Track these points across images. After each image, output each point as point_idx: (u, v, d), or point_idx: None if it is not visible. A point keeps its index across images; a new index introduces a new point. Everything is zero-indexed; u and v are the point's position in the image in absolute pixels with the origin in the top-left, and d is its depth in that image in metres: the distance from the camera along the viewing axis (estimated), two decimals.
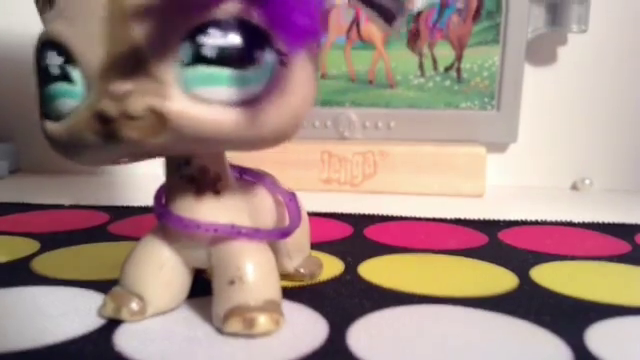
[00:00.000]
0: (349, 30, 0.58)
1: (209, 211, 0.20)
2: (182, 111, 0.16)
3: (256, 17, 0.16)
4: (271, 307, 0.20)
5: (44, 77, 0.18)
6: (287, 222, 0.23)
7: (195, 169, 0.20)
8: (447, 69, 0.58)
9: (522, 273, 0.27)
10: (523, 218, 0.41)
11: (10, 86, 0.68)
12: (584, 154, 0.60)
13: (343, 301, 0.23)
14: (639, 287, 0.26)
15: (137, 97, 0.16)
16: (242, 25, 0.16)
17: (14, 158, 0.67)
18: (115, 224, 0.38)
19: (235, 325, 0.19)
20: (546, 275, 0.27)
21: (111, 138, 0.17)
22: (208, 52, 0.16)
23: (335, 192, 0.54)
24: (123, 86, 0.16)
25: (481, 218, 0.41)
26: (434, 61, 0.58)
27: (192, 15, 0.16)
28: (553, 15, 0.54)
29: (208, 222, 0.20)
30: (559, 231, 0.38)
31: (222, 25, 0.16)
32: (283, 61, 0.17)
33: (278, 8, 0.16)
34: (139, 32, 0.16)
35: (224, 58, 0.16)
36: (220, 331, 0.20)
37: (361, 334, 0.20)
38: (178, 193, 0.20)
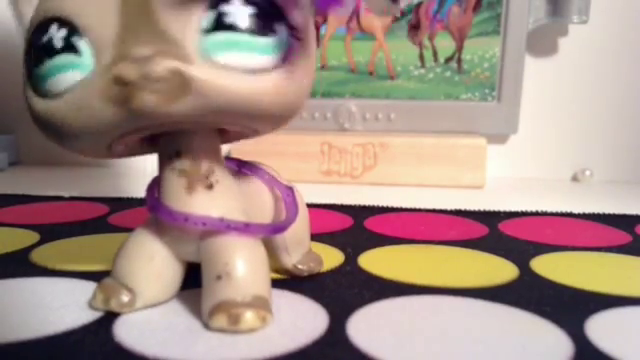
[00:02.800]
0: (349, 21, 0.58)
1: (200, 204, 0.20)
2: (204, 75, 0.16)
3: None
4: (258, 303, 0.19)
5: (42, 54, 0.18)
6: (284, 217, 0.23)
7: (187, 162, 0.20)
8: (447, 60, 0.57)
9: (522, 264, 0.27)
10: (523, 209, 0.41)
11: (10, 79, 0.67)
12: (584, 145, 0.60)
13: (343, 292, 0.23)
14: (639, 278, 0.26)
15: (160, 59, 0.16)
16: None
17: (14, 150, 0.67)
18: (115, 215, 0.38)
19: (220, 320, 0.19)
20: (546, 266, 0.27)
21: (127, 104, 0.16)
22: (229, 20, 0.16)
23: (335, 184, 0.54)
24: (144, 50, 0.16)
25: (481, 209, 0.41)
26: (434, 52, 0.57)
27: None
28: (554, 6, 0.54)
29: (197, 215, 0.19)
30: (559, 222, 0.38)
31: None
32: (296, 35, 0.18)
33: None
34: (157, 2, 0.16)
35: (244, 26, 0.16)
36: (207, 327, 0.19)
37: (361, 325, 0.20)
38: (170, 186, 0.20)
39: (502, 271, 0.26)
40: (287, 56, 0.17)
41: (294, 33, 0.17)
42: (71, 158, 0.68)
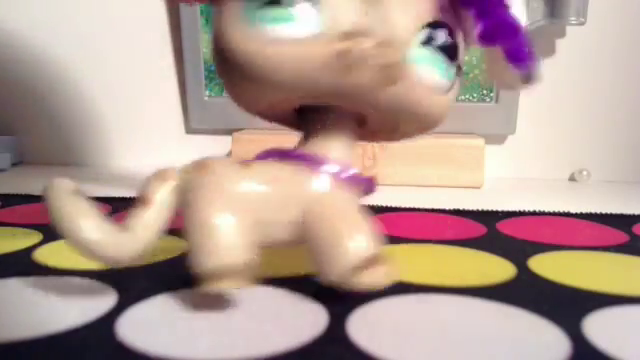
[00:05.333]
0: None
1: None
2: (409, 76, 0.20)
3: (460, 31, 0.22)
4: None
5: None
6: None
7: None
8: None
9: (520, 263, 0.28)
10: (521, 209, 0.41)
11: (12, 80, 0.68)
12: (582, 146, 0.60)
13: (343, 291, 0.23)
14: (636, 277, 0.27)
15: (394, 48, 0.19)
16: (453, 32, 0.21)
17: (17, 150, 0.67)
18: (117, 215, 0.38)
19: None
20: (544, 265, 0.27)
21: (347, 74, 0.19)
22: (437, 42, 0.21)
23: None
24: (379, 35, 0.19)
25: (480, 209, 0.41)
26: None
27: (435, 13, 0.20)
28: (551, 7, 0.54)
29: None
30: (557, 222, 0.38)
31: (447, 27, 0.21)
32: (459, 70, 0.23)
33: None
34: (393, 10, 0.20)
35: (443, 49, 0.21)
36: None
37: (360, 323, 0.20)
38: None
39: (500, 270, 0.27)
40: (453, 82, 0.22)
41: (460, 65, 0.23)
42: (73, 158, 0.68)
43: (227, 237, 0.20)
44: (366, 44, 0.19)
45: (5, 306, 0.22)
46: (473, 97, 0.58)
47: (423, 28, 0.20)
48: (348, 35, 0.19)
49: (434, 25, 0.20)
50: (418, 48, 0.20)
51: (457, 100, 0.58)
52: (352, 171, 0.23)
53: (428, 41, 0.20)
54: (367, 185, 0.24)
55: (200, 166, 0.22)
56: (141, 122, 0.66)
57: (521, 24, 0.20)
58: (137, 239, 0.21)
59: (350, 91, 0.20)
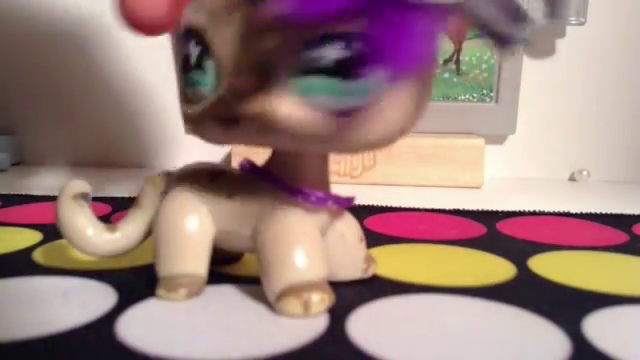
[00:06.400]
0: None
1: None
2: (290, 115, 0.18)
3: (367, 36, 0.16)
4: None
5: (184, 65, 0.20)
6: None
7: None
8: (446, 61, 0.58)
9: (520, 263, 0.28)
10: (521, 209, 0.41)
11: (13, 79, 0.68)
12: (582, 146, 0.60)
13: (342, 291, 0.23)
14: (636, 277, 0.27)
15: (253, 101, 0.18)
16: (353, 41, 0.17)
17: (16, 150, 0.67)
18: (117, 215, 0.38)
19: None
20: (544, 265, 0.27)
21: (229, 130, 0.19)
22: (322, 63, 0.17)
23: (335, 183, 0.54)
24: (242, 89, 0.18)
25: (480, 209, 0.41)
26: None
27: (312, 30, 0.17)
28: (552, 7, 0.54)
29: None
30: (557, 222, 0.38)
31: (336, 40, 0.17)
32: (387, 80, 0.17)
33: (390, 32, 0.16)
34: (264, 40, 0.17)
35: (334, 70, 0.17)
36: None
37: (360, 323, 0.20)
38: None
39: (500, 270, 0.27)
40: (373, 99, 0.18)
41: (386, 77, 0.17)
42: (73, 158, 0.68)
43: (185, 247, 0.22)
44: (223, 108, 0.19)
45: (5, 306, 0.22)
46: (473, 97, 0.58)
47: (301, 51, 0.17)
48: (220, 91, 0.19)
49: (317, 42, 0.17)
50: (299, 78, 0.17)
51: (457, 100, 0.58)
52: (323, 194, 0.22)
53: (312, 65, 0.17)
54: (341, 202, 0.23)
55: (177, 175, 0.24)
56: (141, 122, 0.66)
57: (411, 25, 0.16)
58: (123, 238, 0.24)
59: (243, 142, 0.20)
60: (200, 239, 0.23)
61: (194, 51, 0.19)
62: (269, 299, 0.21)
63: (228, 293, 0.23)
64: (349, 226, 0.24)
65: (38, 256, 0.28)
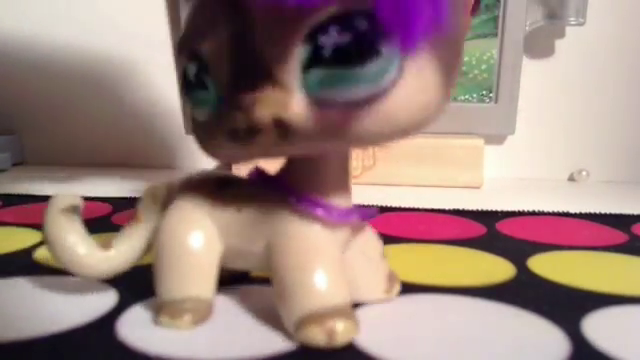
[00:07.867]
0: None
1: None
2: (304, 117, 0.16)
3: (374, 9, 0.14)
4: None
5: (185, 84, 0.19)
6: None
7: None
8: None
9: (519, 263, 0.28)
10: (521, 209, 0.41)
11: (14, 79, 0.68)
12: (581, 146, 0.60)
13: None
14: (635, 277, 0.27)
15: (262, 107, 0.16)
16: (359, 20, 0.14)
17: (18, 150, 0.67)
18: (118, 215, 0.38)
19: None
20: (543, 265, 0.27)
21: (242, 146, 0.17)
22: (327, 53, 0.15)
23: None
24: (248, 97, 0.16)
25: (479, 209, 0.41)
26: None
27: (309, 14, 0.15)
28: (551, 7, 0.54)
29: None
30: (556, 222, 0.38)
31: (339, 23, 0.15)
32: (406, 53, 0.15)
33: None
34: (260, 40, 0.16)
35: (344, 57, 0.15)
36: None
37: (361, 323, 0.20)
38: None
39: (499, 270, 0.27)
40: (396, 78, 0.15)
41: (404, 51, 0.15)
42: (74, 158, 0.68)
43: (190, 268, 0.20)
44: (234, 123, 0.17)
45: (5, 306, 0.22)
46: (473, 97, 0.58)
47: (304, 43, 0.15)
48: (229, 108, 0.17)
49: (318, 30, 0.15)
50: (305, 74, 0.15)
51: (456, 100, 0.58)
52: (345, 208, 0.20)
53: (316, 57, 0.15)
54: (365, 215, 0.20)
55: (179, 186, 0.22)
56: (141, 122, 0.66)
57: None
58: (119, 256, 0.22)
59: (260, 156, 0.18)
60: (206, 259, 0.20)
61: (191, 70, 0.18)
62: (287, 326, 0.19)
63: (228, 293, 0.23)
64: (370, 240, 0.22)
65: (38, 256, 0.28)
